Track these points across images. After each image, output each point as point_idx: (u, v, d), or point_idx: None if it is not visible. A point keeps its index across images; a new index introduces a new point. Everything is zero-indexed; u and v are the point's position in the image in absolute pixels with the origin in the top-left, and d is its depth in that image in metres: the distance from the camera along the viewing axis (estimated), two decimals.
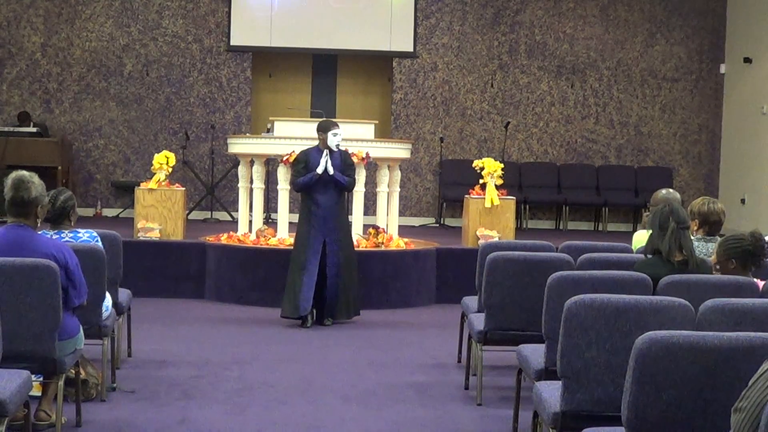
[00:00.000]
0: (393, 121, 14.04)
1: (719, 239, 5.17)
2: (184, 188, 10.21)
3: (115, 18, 13.82)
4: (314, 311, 8.20)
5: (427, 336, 7.95)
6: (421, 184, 14.12)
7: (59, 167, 12.56)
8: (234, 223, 11.45)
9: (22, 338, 4.43)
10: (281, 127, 9.65)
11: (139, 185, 10.10)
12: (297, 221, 8.40)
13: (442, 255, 9.77)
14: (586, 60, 14.21)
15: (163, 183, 9.86)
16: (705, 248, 5.41)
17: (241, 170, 10.02)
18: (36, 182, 4.63)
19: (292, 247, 8.47)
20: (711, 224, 5.60)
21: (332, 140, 8.16)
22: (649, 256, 4.85)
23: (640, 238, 6.13)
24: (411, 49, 14.03)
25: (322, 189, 8.15)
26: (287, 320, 8.22)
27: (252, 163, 9.90)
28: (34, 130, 12.89)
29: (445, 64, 14.09)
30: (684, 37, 14.31)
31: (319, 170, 8.10)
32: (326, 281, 8.13)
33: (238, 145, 9.99)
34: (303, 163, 8.22)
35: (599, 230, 13.72)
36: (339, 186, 8.18)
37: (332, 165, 8.15)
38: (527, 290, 5.47)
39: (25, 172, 4.65)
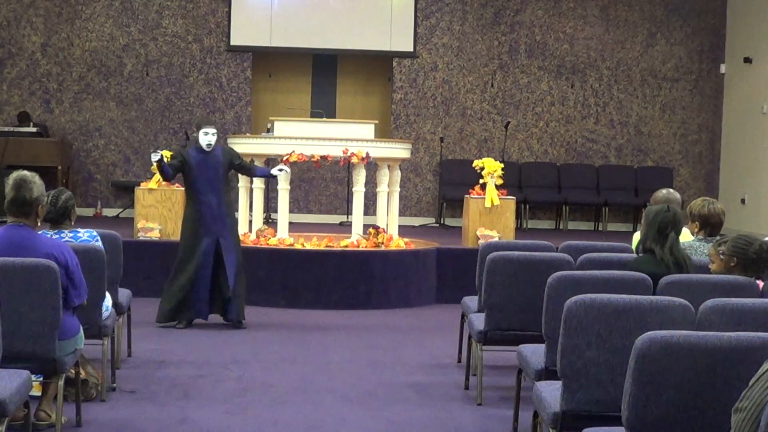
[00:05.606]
0: (393, 121, 14.03)
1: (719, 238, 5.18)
2: (184, 188, 10.19)
3: (115, 18, 13.82)
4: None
5: (427, 336, 7.94)
6: (421, 184, 14.12)
7: (59, 167, 12.56)
8: None
9: (22, 338, 4.43)
10: (281, 127, 9.66)
11: (139, 185, 10.11)
12: (182, 223, 8.14)
13: (442, 255, 9.76)
14: (586, 60, 14.20)
15: (163, 183, 9.85)
16: (706, 248, 5.41)
17: None
18: (37, 182, 4.65)
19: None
20: (712, 226, 5.63)
21: (203, 139, 7.89)
22: (641, 254, 4.88)
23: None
24: (411, 49, 14.03)
25: (208, 188, 7.88)
26: (287, 320, 8.19)
27: (252, 163, 9.89)
28: (34, 130, 12.89)
29: (445, 64, 14.09)
30: (684, 37, 14.30)
31: (275, 173, 8.39)
32: (227, 281, 7.83)
33: (238, 145, 9.95)
34: (178, 157, 8.00)
35: (599, 230, 13.72)
36: (266, 174, 8.38)
37: (217, 162, 7.89)
38: (527, 290, 5.47)
39: (26, 172, 4.66)
